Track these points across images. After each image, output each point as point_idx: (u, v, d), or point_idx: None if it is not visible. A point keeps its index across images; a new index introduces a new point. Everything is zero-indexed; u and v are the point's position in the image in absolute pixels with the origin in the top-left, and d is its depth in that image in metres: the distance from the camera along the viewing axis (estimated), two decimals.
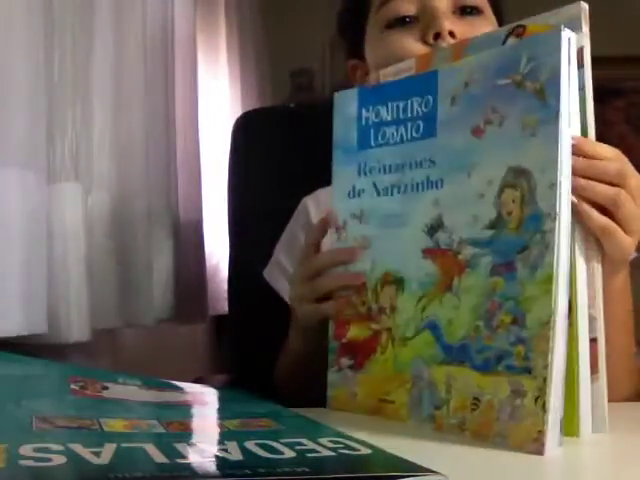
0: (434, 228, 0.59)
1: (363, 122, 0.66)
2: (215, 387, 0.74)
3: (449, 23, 0.76)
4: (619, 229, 0.56)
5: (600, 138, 0.59)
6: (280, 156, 1.11)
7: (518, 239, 0.53)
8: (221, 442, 0.43)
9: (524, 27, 0.60)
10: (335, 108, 0.68)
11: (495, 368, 0.53)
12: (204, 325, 1.57)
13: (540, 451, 0.49)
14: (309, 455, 0.40)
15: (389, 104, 0.64)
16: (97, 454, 0.37)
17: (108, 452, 0.38)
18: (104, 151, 0.93)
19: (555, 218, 0.51)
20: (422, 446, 0.53)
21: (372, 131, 0.65)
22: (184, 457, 0.39)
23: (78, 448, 0.38)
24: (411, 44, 0.77)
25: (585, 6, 0.57)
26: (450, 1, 0.78)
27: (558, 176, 0.52)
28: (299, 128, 1.11)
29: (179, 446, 0.41)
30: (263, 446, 0.41)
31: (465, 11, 0.79)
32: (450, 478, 0.39)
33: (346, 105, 0.67)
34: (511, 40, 0.61)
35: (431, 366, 0.57)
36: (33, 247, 0.73)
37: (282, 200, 0.95)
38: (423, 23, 0.78)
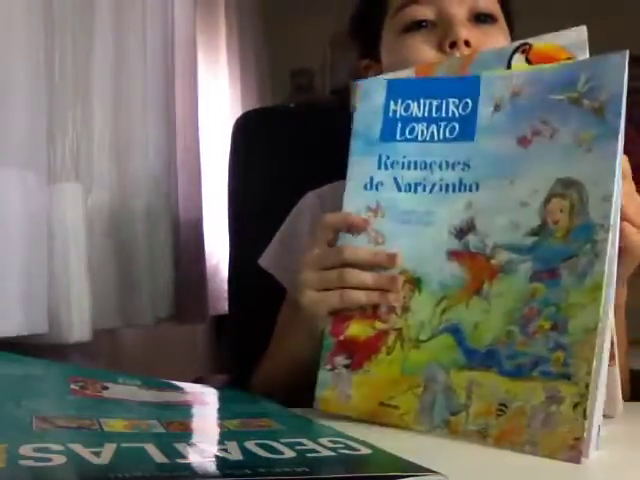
0: (464, 231, 0.58)
1: (390, 114, 0.64)
2: (215, 387, 0.74)
3: (465, 32, 0.77)
4: (628, 224, 0.59)
5: None
6: (280, 156, 1.11)
7: (565, 247, 0.53)
8: (221, 442, 0.43)
9: (530, 45, 0.62)
10: (359, 96, 0.66)
11: (529, 374, 0.52)
12: (204, 325, 1.57)
13: (577, 459, 0.48)
14: (309, 455, 0.40)
15: (421, 100, 0.63)
16: (97, 454, 0.37)
17: (108, 452, 0.38)
18: (104, 151, 0.93)
19: (608, 229, 0.52)
20: (422, 446, 0.52)
21: (399, 124, 0.63)
22: (184, 457, 0.39)
23: (78, 448, 0.38)
24: (427, 51, 0.78)
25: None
26: (467, 9, 0.79)
27: (615, 189, 0.52)
28: (299, 128, 1.11)
29: (179, 446, 0.41)
30: (263, 446, 0.41)
31: (480, 19, 0.80)
32: (450, 478, 0.39)
33: (372, 94, 0.65)
34: (517, 57, 0.62)
35: (450, 370, 0.56)
36: (33, 247, 0.73)
37: (282, 200, 0.95)
38: (440, 30, 0.78)
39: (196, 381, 0.88)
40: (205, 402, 0.64)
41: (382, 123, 0.64)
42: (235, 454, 0.39)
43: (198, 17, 1.46)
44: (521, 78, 0.59)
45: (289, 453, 0.40)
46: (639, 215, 0.60)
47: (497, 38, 0.79)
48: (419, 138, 0.63)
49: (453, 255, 0.58)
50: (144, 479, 0.34)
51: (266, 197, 1.09)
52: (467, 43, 0.77)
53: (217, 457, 0.40)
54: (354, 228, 0.64)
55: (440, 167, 0.61)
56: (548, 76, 0.58)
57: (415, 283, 0.60)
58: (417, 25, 0.80)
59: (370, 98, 0.65)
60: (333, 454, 0.41)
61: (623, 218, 0.59)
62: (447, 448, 0.52)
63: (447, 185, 0.60)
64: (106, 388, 0.57)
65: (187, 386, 0.67)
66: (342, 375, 0.61)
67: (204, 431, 0.51)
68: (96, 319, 0.84)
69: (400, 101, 0.64)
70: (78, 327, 0.79)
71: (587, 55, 0.61)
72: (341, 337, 0.62)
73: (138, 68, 1.02)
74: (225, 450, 0.40)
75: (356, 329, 0.62)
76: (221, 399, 0.68)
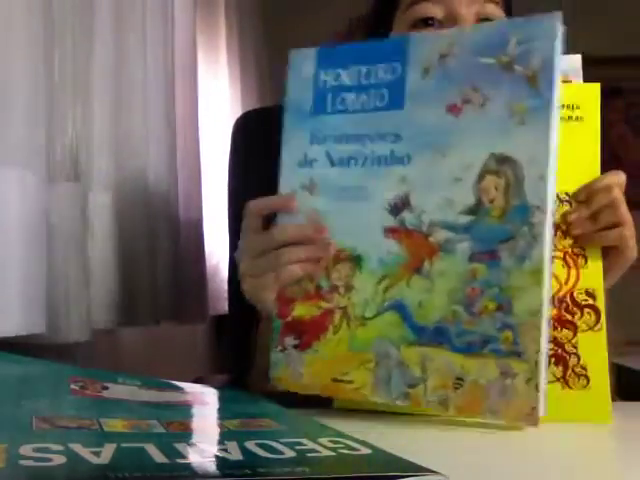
0: (399, 207, 0.57)
1: (320, 85, 0.62)
2: (215, 387, 0.74)
3: None
4: (626, 228, 0.65)
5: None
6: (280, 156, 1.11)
7: (502, 228, 0.53)
8: (221, 442, 0.43)
9: None
10: (290, 67, 0.64)
11: (480, 351, 0.53)
12: (204, 325, 1.57)
13: (535, 423, 0.51)
14: (309, 455, 0.40)
15: (350, 67, 0.61)
16: (97, 454, 0.37)
17: (108, 452, 0.38)
18: (104, 151, 0.92)
19: (545, 211, 0.51)
20: (422, 446, 0.53)
21: (330, 95, 0.61)
22: (184, 457, 0.39)
23: (78, 448, 0.38)
24: None
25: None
26: (474, 12, 0.82)
27: (549, 169, 0.52)
28: None
29: (179, 446, 0.41)
30: (263, 446, 0.41)
31: None
32: (450, 478, 0.39)
33: (302, 65, 0.63)
34: None
35: (400, 346, 0.56)
36: (32, 247, 0.73)
37: None
38: (446, 28, 0.80)
39: (196, 381, 0.88)
40: (205, 402, 0.64)
41: (313, 95, 0.62)
42: (235, 454, 0.39)
43: (198, 17, 1.46)
44: (450, 38, 0.57)
45: (289, 453, 0.40)
46: (631, 220, 0.65)
47: None
48: (350, 109, 0.60)
49: (389, 232, 0.57)
50: (144, 479, 0.34)
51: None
52: None
53: (217, 457, 0.39)
54: (280, 210, 0.64)
55: (371, 139, 0.59)
56: (477, 35, 0.56)
57: (356, 261, 0.59)
58: (425, 22, 0.82)
59: (300, 69, 0.63)
60: (333, 454, 0.41)
61: (621, 223, 0.64)
62: (447, 448, 0.52)
63: (379, 158, 0.58)
64: (106, 388, 0.57)
65: (187, 386, 0.67)
66: (292, 355, 0.61)
67: (204, 431, 0.51)
68: (96, 319, 0.84)
69: (330, 70, 0.62)
70: (77, 327, 0.79)
71: (581, 80, 0.64)
72: (288, 318, 0.62)
73: (138, 68, 1.02)
74: (225, 450, 0.40)
75: (302, 310, 0.61)
76: (221, 399, 0.68)
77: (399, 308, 0.57)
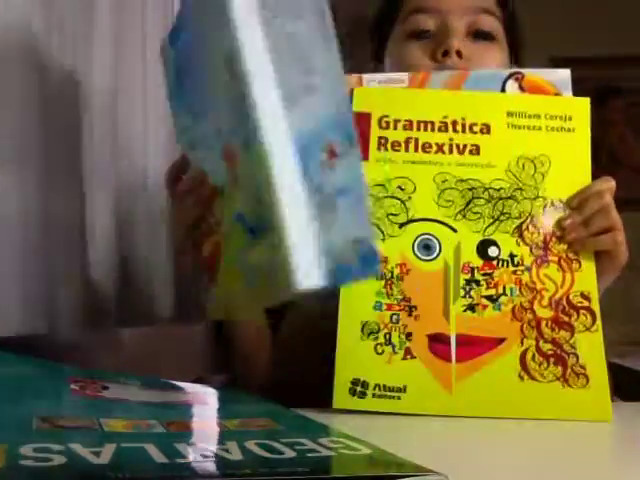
0: (220, 134, 0.62)
1: (176, 62, 0.68)
2: (215, 387, 0.74)
3: (459, 43, 0.81)
4: (619, 232, 0.69)
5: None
6: None
7: (235, 122, 0.56)
8: (221, 442, 0.43)
9: (523, 75, 0.71)
10: (161, 58, 0.71)
11: (257, 237, 0.56)
12: (204, 325, 1.57)
13: (301, 285, 0.51)
14: (309, 455, 0.40)
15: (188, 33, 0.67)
16: (97, 454, 0.37)
17: (108, 452, 0.38)
18: (104, 151, 0.93)
19: (249, 94, 0.53)
20: (422, 446, 0.53)
21: (181, 71, 0.68)
22: (184, 457, 0.39)
23: (78, 448, 0.38)
24: (421, 58, 0.83)
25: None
26: (466, 23, 0.83)
27: (251, 60, 0.53)
28: None
29: (179, 446, 0.41)
30: (263, 446, 0.41)
31: (479, 36, 0.84)
32: (450, 478, 0.39)
33: (165, 52, 0.70)
34: (511, 83, 0.70)
35: (245, 253, 0.60)
36: (32, 247, 0.73)
37: None
38: (437, 40, 0.82)
39: (196, 381, 0.88)
40: (205, 402, 0.64)
41: (174, 73, 0.69)
42: (235, 454, 0.39)
43: None
44: None
45: (289, 453, 0.40)
46: (621, 225, 0.69)
47: (493, 55, 0.83)
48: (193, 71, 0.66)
49: (223, 156, 0.62)
50: (144, 479, 0.34)
51: None
52: (459, 54, 0.81)
53: (217, 457, 0.40)
54: (182, 171, 0.70)
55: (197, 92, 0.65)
56: None
57: (219, 192, 0.64)
58: (418, 35, 0.84)
59: (165, 57, 0.70)
60: (333, 454, 0.41)
61: (612, 227, 0.68)
62: (447, 448, 0.52)
63: (202, 107, 0.64)
64: (106, 388, 0.57)
65: (187, 386, 0.67)
66: (212, 290, 0.68)
67: (204, 431, 0.51)
68: (95, 319, 0.84)
69: (175, 49, 0.68)
70: (77, 327, 0.79)
71: (570, 93, 0.70)
72: (201, 260, 0.69)
73: (138, 67, 1.02)
74: (225, 450, 0.40)
75: (207, 249, 0.68)
76: (221, 399, 0.68)
77: (240, 219, 0.61)
